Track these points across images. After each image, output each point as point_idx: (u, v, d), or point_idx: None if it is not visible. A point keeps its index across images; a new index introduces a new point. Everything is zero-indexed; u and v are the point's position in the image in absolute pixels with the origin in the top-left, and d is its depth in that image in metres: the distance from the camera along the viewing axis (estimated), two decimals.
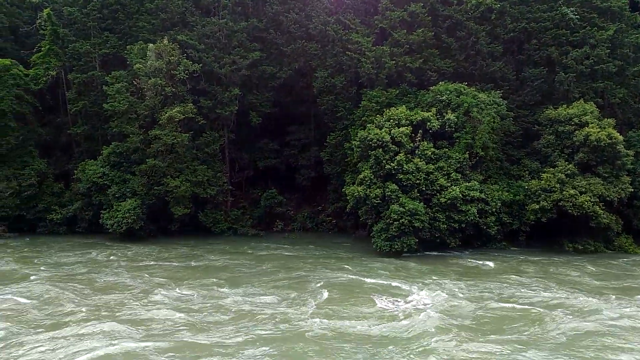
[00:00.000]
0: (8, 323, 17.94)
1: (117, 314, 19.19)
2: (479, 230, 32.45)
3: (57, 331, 17.06)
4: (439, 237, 31.53)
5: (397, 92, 37.23)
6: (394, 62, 37.28)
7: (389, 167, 31.06)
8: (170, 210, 37.22)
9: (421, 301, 20.68)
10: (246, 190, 43.94)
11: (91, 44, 41.61)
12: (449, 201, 30.73)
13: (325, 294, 21.65)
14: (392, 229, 30.12)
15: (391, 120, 32.87)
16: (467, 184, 31.68)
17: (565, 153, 32.85)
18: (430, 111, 33.18)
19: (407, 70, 37.58)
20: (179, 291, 22.67)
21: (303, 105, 43.83)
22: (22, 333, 17.06)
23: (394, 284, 23.67)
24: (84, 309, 19.65)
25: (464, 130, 32.95)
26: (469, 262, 29.34)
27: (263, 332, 17.11)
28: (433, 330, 16.86)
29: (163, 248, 34.54)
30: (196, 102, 38.86)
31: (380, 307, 20.08)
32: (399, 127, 32.25)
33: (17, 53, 44.25)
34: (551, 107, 35.00)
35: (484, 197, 31.73)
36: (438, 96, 34.22)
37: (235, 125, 41.68)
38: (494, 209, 31.95)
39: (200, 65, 38.54)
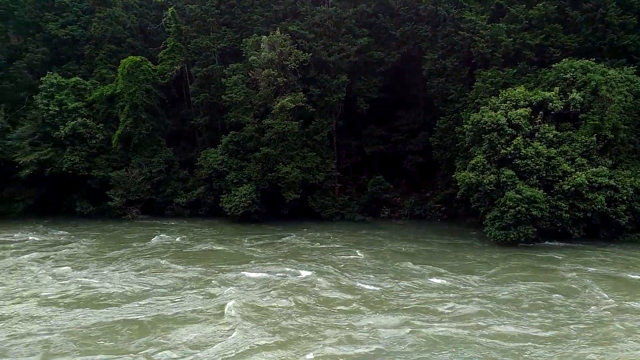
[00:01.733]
0: None
1: None
2: (607, 220, 29.65)
3: None
4: (560, 227, 29.38)
5: (515, 71, 34.96)
6: (511, 39, 35.07)
7: (505, 151, 29.43)
8: (282, 195, 38.80)
9: None
10: (353, 177, 44.35)
11: (210, 39, 44.26)
12: (572, 188, 28.42)
13: None
14: (507, 217, 28.62)
15: (508, 102, 31.04)
16: (594, 169, 29.06)
17: None
18: (552, 91, 30.84)
19: (525, 48, 35.12)
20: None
21: (412, 90, 43.06)
22: None
23: None
24: None
25: (591, 110, 30.16)
26: None
27: None
28: None
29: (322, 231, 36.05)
30: (306, 91, 39.86)
31: None
32: (516, 109, 30.39)
33: (146, 50, 48.34)
34: None
35: (613, 183, 28.88)
36: (561, 74, 31.63)
37: (343, 112, 42.14)
38: (625, 197, 28.99)
39: (310, 54, 39.39)
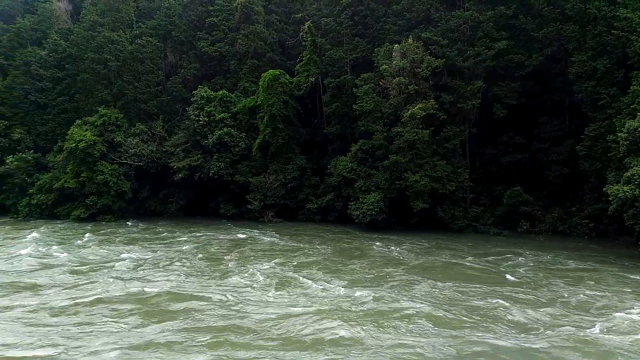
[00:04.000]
0: None
1: None
2: None
3: None
4: None
5: None
6: None
7: None
8: (410, 205, 38.23)
9: None
10: (488, 187, 42.08)
11: (343, 50, 45.45)
12: None
13: None
14: None
15: None
16: None
17: None
18: None
19: None
20: None
21: (555, 94, 39.74)
22: None
23: None
24: None
25: None
26: None
27: None
28: None
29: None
30: (437, 98, 38.92)
31: None
32: None
33: (284, 64, 51.30)
34: None
35: None
36: None
37: (477, 119, 40.32)
38: None
39: (443, 60, 38.43)
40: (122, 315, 19.80)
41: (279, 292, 22.65)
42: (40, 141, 55.02)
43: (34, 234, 39.09)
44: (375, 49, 42.22)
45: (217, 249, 33.47)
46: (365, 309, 20.13)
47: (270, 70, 46.87)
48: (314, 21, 48.10)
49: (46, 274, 26.38)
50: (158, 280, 24.90)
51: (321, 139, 48.88)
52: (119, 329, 18.25)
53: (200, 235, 38.81)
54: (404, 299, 21.44)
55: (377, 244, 34.29)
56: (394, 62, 38.88)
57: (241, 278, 25.26)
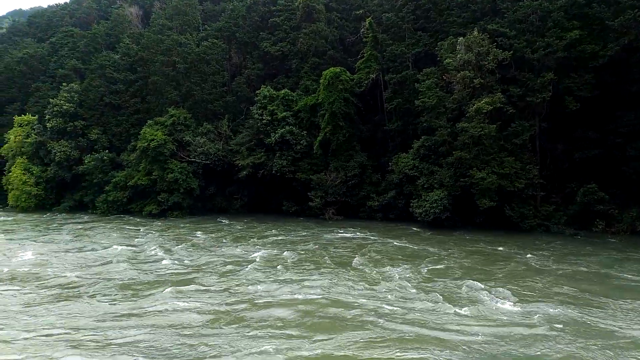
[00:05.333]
0: None
1: None
2: None
3: None
4: None
5: None
6: None
7: None
8: (475, 203, 37.21)
9: None
10: (559, 184, 40.17)
11: (405, 45, 44.86)
12: None
13: None
14: None
15: None
16: None
17: None
18: None
19: None
20: None
21: (633, 86, 37.20)
22: None
23: None
24: None
25: None
26: None
27: None
28: None
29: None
30: (505, 92, 37.57)
31: None
32: None
33: (344, 61, 51.37)
34: None
35: None
36: None
37: (547, 113, 38.55)
38: None
39: (511, 52, 37.06)
40: (294, 323, 18.29)
41: (448, 304, 20.08)
42: (115, 141, 58.29)
43: (144, 232, 40.81)
44: (439, 43, 41.36)
45: (342, 250, 31.78)
46: (571, 336, 16.82)
47: (331, 68, 47.05)
48: (374, 17, 47.79)
49: (205, 275, 25.58)
50: (311, 286, 22.89)
51: (382, 136, 48.53)
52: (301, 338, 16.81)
53: (304, 234, 38.21)
54: (607, 321, 18.20)
55: (480, 244, 32.43)
56: (458, 56, 37.93)
57: (388, 283, 23.26)
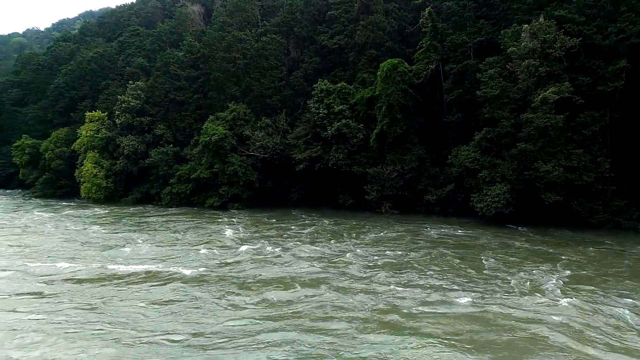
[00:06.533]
0: None
1: None
2: None
3: None
4: None
5: None
6: None
7: None
8: (540, 197, 35.69)
9: None
10: (633, 178, 37.75)
11: (466, 34, 43.53)
12: None
13: None
14: None
15: None
16: None
17: None
18: None
19: None
20: None
21: None
22: None
23: None
24: None
25: None
26: None
27: None
28: None
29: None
30: (573, 80, 35.70)
31: None
32: None
33: (403, 52, 50.50)
34: None
35: None
36: None
37: (619, 102, 36.28)
38: None
39: (579, 39, 35.13)
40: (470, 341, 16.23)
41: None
42: (179, 136, 60.54)
43: (228, 225, 40.59)
44: (502, 31, 39.84)
45: (458, 250, 29.58)
46: None
47: (389, 60, 46.42)
48: (434, 6, 46.70)
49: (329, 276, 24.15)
50: (459, 297, 20.25)
51: (441, 128, 47.45)
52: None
53: (401, 229, 36.58)
54: None
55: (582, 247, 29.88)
56: (522, 44, 36.40)
57: (538, 294, 20.54)
